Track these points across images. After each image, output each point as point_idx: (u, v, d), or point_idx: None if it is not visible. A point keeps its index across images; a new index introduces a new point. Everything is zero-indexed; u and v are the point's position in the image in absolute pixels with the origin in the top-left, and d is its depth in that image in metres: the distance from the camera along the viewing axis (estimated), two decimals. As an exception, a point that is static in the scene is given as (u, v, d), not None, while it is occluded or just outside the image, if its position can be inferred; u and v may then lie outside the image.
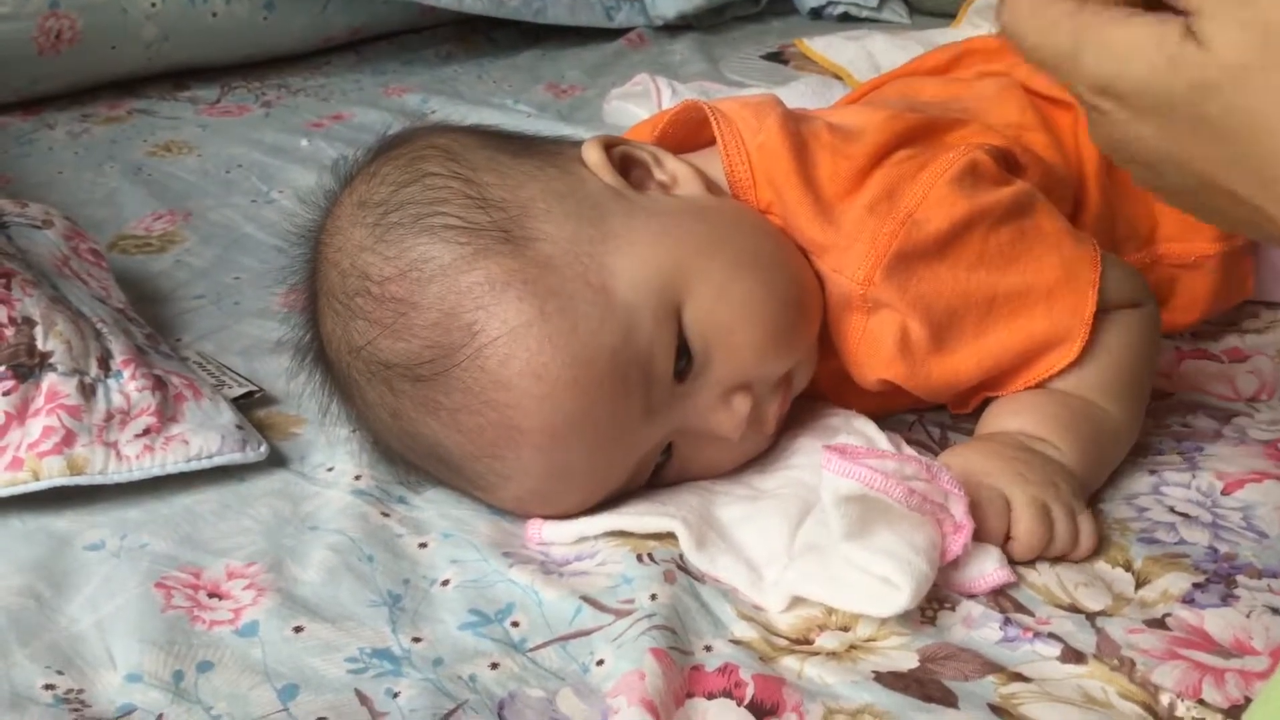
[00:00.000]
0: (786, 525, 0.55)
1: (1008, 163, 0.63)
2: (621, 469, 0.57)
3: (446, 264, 0.54)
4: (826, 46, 1.35)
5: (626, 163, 0.61)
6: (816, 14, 1.67)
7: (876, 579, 0.50)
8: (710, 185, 0.62)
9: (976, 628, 0.51)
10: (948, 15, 1.59)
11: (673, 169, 0.61)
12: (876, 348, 0.60)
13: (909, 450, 0.58)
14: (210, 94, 1.36)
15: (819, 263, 0.60)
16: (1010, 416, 0.60)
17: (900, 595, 0.49)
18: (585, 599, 0.53)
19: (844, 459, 0.50)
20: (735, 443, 0.58)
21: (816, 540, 0.53)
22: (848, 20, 1.65)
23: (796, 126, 0.62)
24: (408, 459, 0.60)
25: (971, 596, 0.53)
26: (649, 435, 0.56)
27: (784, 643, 0.51)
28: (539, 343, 0.53)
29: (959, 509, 0.52)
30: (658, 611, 0.51)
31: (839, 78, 1.29)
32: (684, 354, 0.56)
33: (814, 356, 0.61)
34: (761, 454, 0.62)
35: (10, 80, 1.28)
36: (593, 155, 0.60)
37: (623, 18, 1.58)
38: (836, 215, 0.59)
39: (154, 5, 1.31)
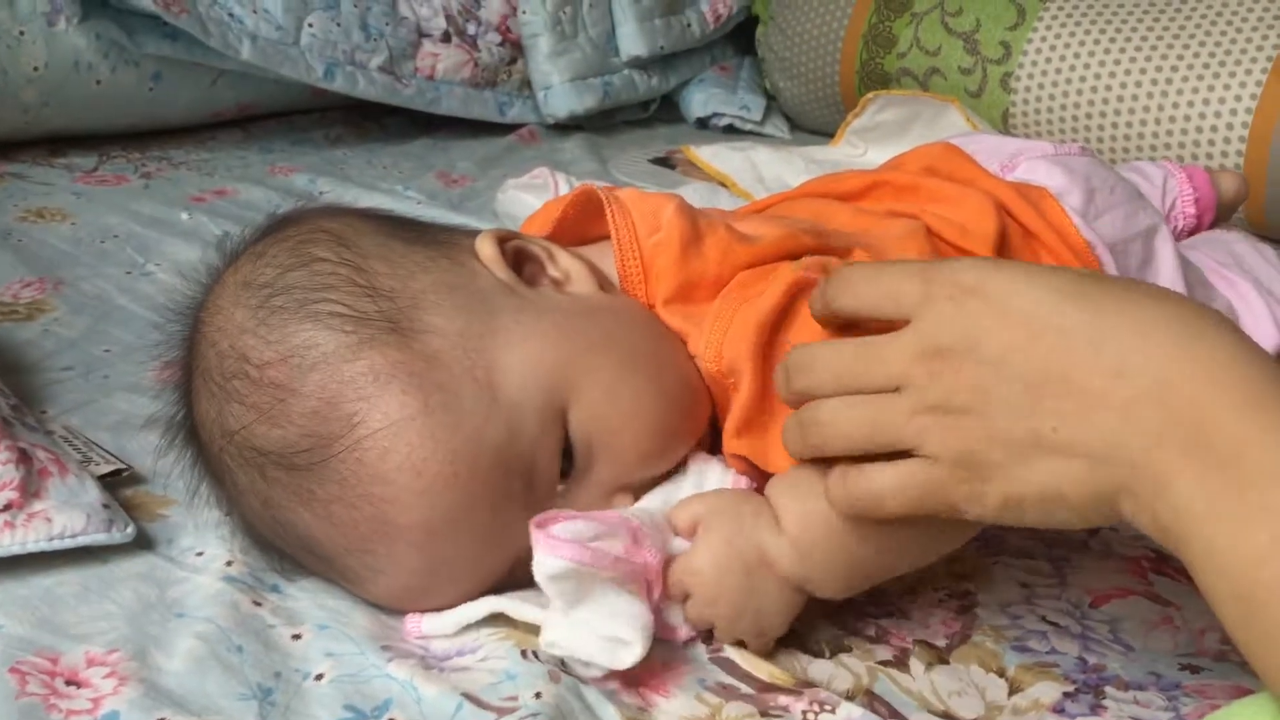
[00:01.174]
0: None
1: None
2: (498, 567, 0.56)
3: (330, 352, 0.53)
4: (713, 155, 1.39)
5: (520, 258, 0.61)
6: (703, 124, 1.72)
7: (607, 638, 0.52)
8: (603, 282, 0.62)
9: (859, 731, 0.52)
10: (825, 134, 1.66)
11: (565, 266, 0.62)
12: (730, 422, 0.59)
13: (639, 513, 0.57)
14: (88, 162, 1.33)
15: (689, 349, 0.60)
16: (784, 490, 0.57)
17: (633, 649, 0.51)
18: (466, 695, 0.52)
19: (550, 539, 0.51)
20: None
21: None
22: (732, 131, 1.70)
23: (694, 219, 0.62)
24: (279, 548, 0.58)
25: (755, 689, 0.54)
26: (528, 534, 0.55)
27: (669, 744, 0.51)
28: (420, 437, 0.52)
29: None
30: (541, 711, 0.51)
31: (724, 185, 1.32)
32: (568, 454, 0.56)
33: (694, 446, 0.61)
34: None
35: (-125, 134, 1.23)
36: (486, 249, 0.60)
37: (515, 113, 1.60)
38: (698, 310, 0.60)
39: (36, 70, 1.29)
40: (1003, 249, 0.71)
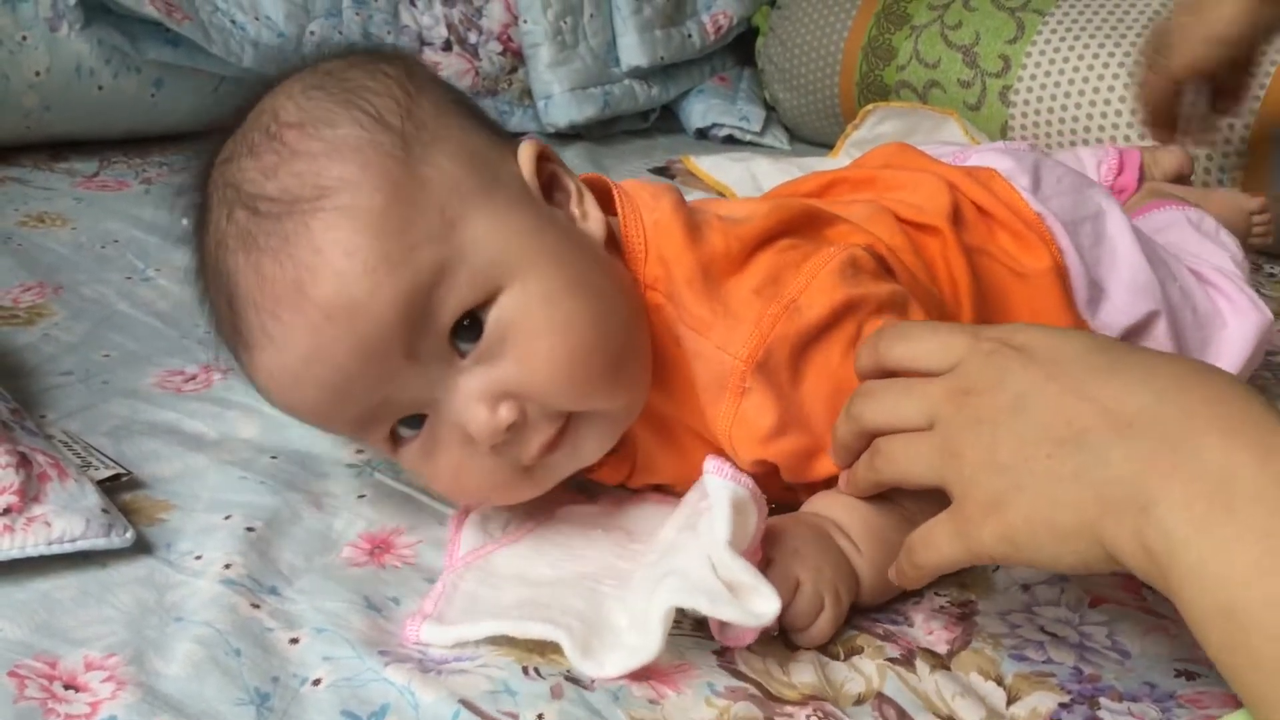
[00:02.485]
0: (647, 587, 0.56)
1: (883, 265, 0.66)
2: (364, 394, 0.57)
3: (340, 135, 0.56)
4: (713, 166, 1.40)
5: (552, 182, 0.63)
6: (702, 134, 1.73)
7: (748, 588, 0.53)
8: (609, 241, 0.63)
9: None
10: (824, 145, 1.66)
11: (590, 210, 0.63)
12: (752, 430, 0.61)
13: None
14: (88, 167, 1.33)
15: (701, 339, 0.61)
16: (834, 504, 0.61)
17: (772, 603, 0.52)
18: (464, 702, 0.52)
19: (731, 467, 0.54)
20: (482, 459, 0.58)
21: (669, 568, 0.55)
22: (731, 142, 1.71)
23: (688, 209, 0.64)
24: (214, 307, 0.60)
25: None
26: (404, 381, 0.56)
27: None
28: (365, 228, 0.54)
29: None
30: (543, 727, 0.51)
31: (722, 195, 1.33)
32: (475, 333, 0.56)
33: (609, 430, 0.61)
34: (637, 552, 0.62)
35: (-123, 139, 1.23)
36: (525, 153, 0.62)
37: (515, 122, 1.61)
38: (724, 294, 0.61)
39: (38, 74, 1.29)
40: (957, 223, 0.74)
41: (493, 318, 0.56)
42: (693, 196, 1.26)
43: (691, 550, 0.55)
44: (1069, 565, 0.48)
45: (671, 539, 0.58)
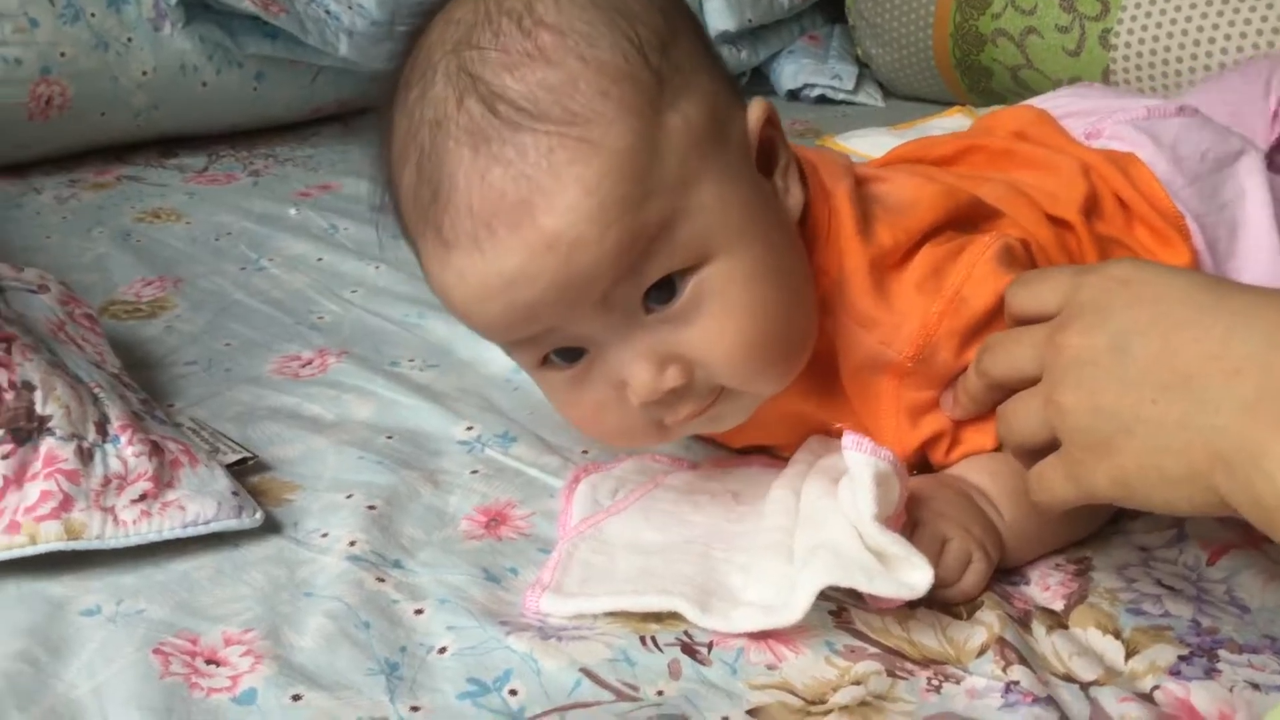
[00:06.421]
0: (783, 558, 0.57)
1: (1031, 260, 0.65)
2: (545, 322, 0.55)
3: (599, 58, 0.53)
4: (860, 143, 1.33)
5: (767, 147, 0.60)
6: (794, 95, 1.72)
7: (900, 560, 0.54)
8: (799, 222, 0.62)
9: (980, 698, 0.52)
10: (921, 99, 1.64)
11: (792, 185, 0.61)
12: (917, 417, 0.62)
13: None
14: (197, 162, 1.38)
15: (862, 333, 0.62)
16: (974, 469, 0.62)
17: (925, 574, 0.53)
18: (585, 671, 0.53)
19: (870, 442, 0.55)
20: (627, 407, 0.57)
21: (818, 541, 0.55)
22: (824, 102, 1.69)
23: (860, 194, 0.63)
24: (395, 180, 0.58)
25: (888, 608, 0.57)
26: (587, 319, 0.55)
27: (799, 703, 0.52)
28: (612, 170, 0.52)
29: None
30: (665, 702, 0.52)
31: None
32: (667, 293, 0.55)
33: (751, 406, 0.61)
34: (744, 514, 0.63)
35: (-2, 145, 1.29)
36: (755, 114, 0.59)
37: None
38: (888, 292, 0.61)
39: (145, 74, 1.33)
40: (1091, 214, 0.71)
41: (692, 284, 0.55)
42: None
43: (836, 522, 0.56)
44: (1184, 510, 0.48)
45: (812, 506, 0.59)
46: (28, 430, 0.62)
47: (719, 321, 0.56)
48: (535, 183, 0.52)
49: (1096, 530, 0.63)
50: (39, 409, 0.63)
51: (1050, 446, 0.53)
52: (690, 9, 0.61)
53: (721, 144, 0.57)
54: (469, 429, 0.76)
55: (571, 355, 0.58)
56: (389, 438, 0.75)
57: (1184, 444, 0.46)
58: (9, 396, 0.63)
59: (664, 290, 0.55)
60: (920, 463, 0.65)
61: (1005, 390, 0.56)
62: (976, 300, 0.61)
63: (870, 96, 1.70)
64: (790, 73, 1.72)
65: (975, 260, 0.61)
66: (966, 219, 0.66)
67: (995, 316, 0.61)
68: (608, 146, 0.52)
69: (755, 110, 0.59)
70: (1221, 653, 0.54)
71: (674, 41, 0.57)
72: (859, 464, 0.55)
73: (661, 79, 0.55)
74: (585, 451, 0.73)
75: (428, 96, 0.55)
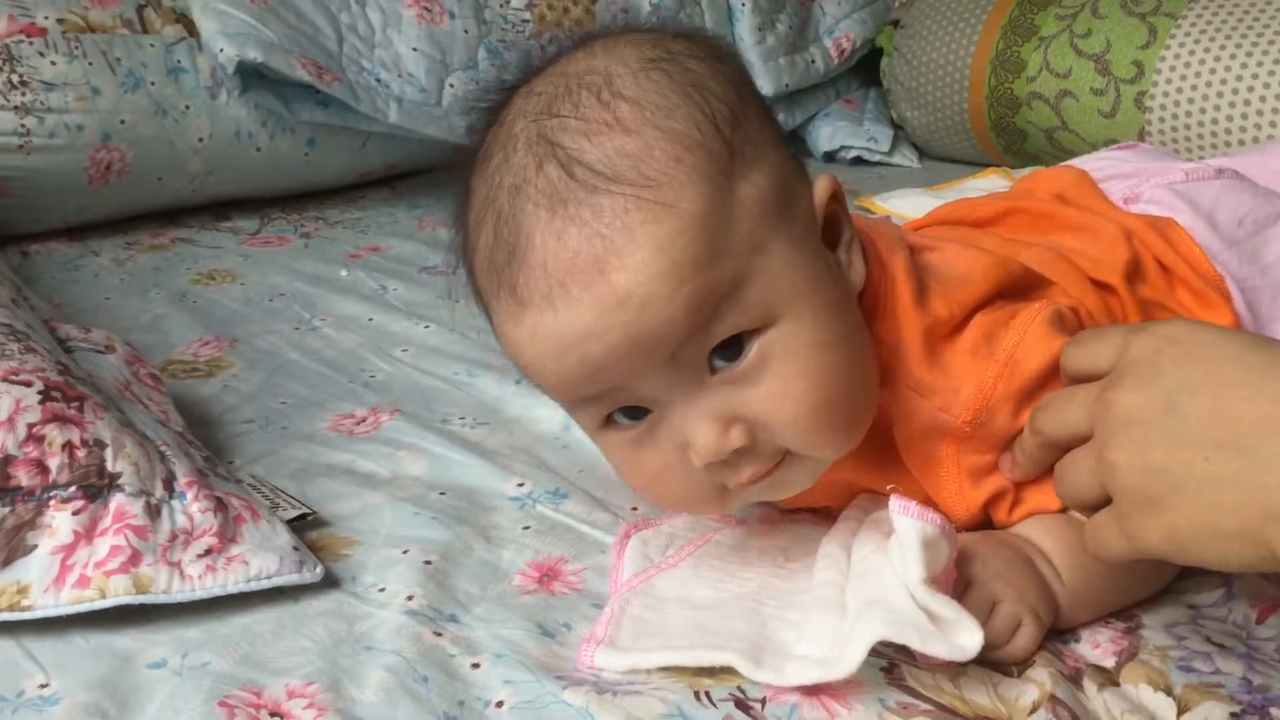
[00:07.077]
0: (835, 612, 0.58)
1: (1080, 323, 0.67)
2: (613, 379, 0.56)
3: (675, 129, 0.55)
4: (899, 204, 1.33)
5: (832, 221, 0.62)
6: (830, 157, 1.74)
7: (950, 621, 0.54)
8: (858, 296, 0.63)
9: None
10: (956, 161, 1.66)
11: (855, 260, 0.63)
12: (979, 479, 0.63)
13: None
14: (250, 225, 1.41)
15: (919, 400, 0.63)
16: (1037, 530, 0.63)
17: (975, 636, 0.54)
18: (640, 724, 0.54)
19: (917, 505, 0.55)
20: (690, 470, 0.58)
21: (872, 595, 0.56)
22: (860, 163, 1.71)
23: (915, 264, 0.65)
24: (471, 244, 0.59)
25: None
26: (653, 378, 0.56)
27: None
28: (685, 230, 0.54)
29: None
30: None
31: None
32: (734, 353, 0.56)
33: (815, 472, 0.61)
34: (794, 571, 0.64)
35: (58, 209, 1.33)
36: (822, 189, 0.61)
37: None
38: (943, 359, 0.63)
39: (201, 140, 1.37)
40: (1134, 279, 0.72)
41: (758, 345, 0.57)
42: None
43: (888, 577, 0.57)
44: (1236, 566, 0.49)
45: (865, 561, 0.59)
46: (99, 487, 0.64)
47: (785, 383, 0.57)
48: (609, 241, 0.53)
49: (1152, 592, 0.64)
50: (109, 466, 0.65)
51: (1106, 502, 0.54)
52: (754, 84, 0.63)
53: (789, 215, 0.58)
54: (520, 485, 0.77)
55: (636, 414, 0.59)
56: (442, 494, 0.76)
57: (1237, 501, 0.47)
58: (81, 454, 0.65)
59: (731, 349, 0.56)
60: (984, 523, 0.66)
61: (1060, 449, 0.57)
62: (1030, 363, 0.62)
63: (906, 158, 1.72)
64: (826, 135, 1.74)
65: (1028, 325, 0.63)
66: (1017, 289, 0.67)
67: (1049, 378, 0.62)
68: (681, 208, 0.54)
69: (822, 185, 0.61)
70: (1273, 711, 0.54)
71: (745, 117, 0.59)
72: (906, 528, 0.56)
73: (733, 150, 0.57)
74: (635, 508, 0.74)
75: (509, 163, 0.57)
